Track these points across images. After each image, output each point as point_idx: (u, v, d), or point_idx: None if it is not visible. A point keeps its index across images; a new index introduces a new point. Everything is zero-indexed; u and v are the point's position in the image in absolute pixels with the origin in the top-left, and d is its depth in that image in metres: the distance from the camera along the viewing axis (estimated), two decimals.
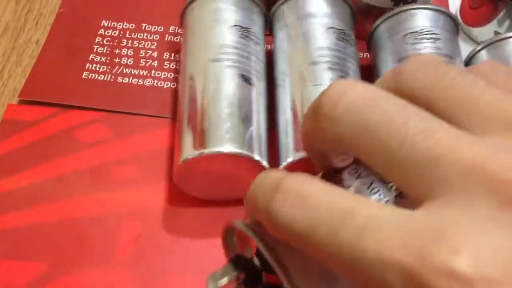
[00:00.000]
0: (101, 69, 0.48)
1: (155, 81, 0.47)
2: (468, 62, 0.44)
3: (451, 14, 0.44)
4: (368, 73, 0.45)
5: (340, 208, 0.18)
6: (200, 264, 0.38)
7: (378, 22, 0.44)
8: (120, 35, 0.50)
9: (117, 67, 0.48)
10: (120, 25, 0.51)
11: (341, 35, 0.42)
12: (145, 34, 0.50)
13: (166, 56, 0.49)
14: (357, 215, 0.18)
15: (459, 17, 0.52)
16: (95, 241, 0.39)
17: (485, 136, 0.19)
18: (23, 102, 0.46)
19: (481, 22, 0.50)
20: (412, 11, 0.43)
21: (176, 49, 0.49)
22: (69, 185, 0.41)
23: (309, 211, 0.19)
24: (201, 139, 0.37)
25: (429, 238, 0.17)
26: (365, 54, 0.48)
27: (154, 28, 0.50)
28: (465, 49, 0.46)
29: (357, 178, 0.22)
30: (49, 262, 0.38)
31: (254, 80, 0.40)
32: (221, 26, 0.42)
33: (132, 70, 0.48)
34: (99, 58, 0.48)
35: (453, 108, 0.20)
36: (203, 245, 0.39)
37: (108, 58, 0.48)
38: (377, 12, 0.45)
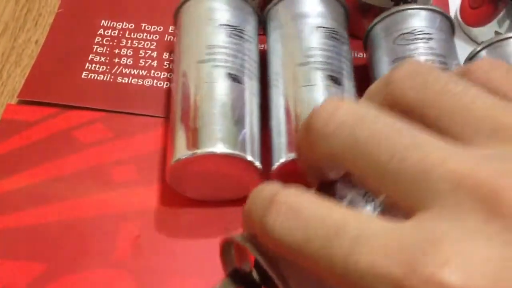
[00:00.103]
0: (100, 69, 0.48)
1: (155, 81, 0.47)
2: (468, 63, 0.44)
3: (446, 13, 0.44)
4: (365, 72, 0.45)
5: (332, 221, 0.19)
6: (200, 264, 0.38)
7: (374, 22, 0.44)
8: (120, 35, 0.50)
9: (117, 67, 0.48)
10: (119, 25, 0.51)
11: (330, 34, 0.42)
12: (145, 34, 0.50)
13: (165, 56, 0.48)
14: (349, 228, 0.18)
15: (459, 17, 0.52)
16: (94, 242, 0.39)
17: (474, 146, 0.20)
18: (22, 102, 0.46)
19: (481, 22, 0.50)
20: (407, 11, 0.43)
21: None
22: (68, 185, 0.41)
23: (302, 225, 0.19)
24: (193, 139, 0.37)
25: (418, 250, 0.17)
26: (364, 53, 0.48)
27: (154, 28, 0.50)
28: (465, 49, 0.46)
29: (351, 188, 0.23)
30: (48, 262, 0.38)
31: (246, 79, 0.40)
32: (213, 25, 0.42)
33: (132, 70, 0.48)
34: (98, 58, 0.48)
35: (444, 117, 0.21)
36: (202, 245, 0.39)
37: (108, 58, 0.48)
38: (376, 12, 0.45)
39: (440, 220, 0.18)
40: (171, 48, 0.49)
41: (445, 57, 0.42)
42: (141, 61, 0.48)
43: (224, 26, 0.42)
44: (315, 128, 0.21)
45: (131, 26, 0.51)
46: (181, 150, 0.37)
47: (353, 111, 0.20)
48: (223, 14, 0.42)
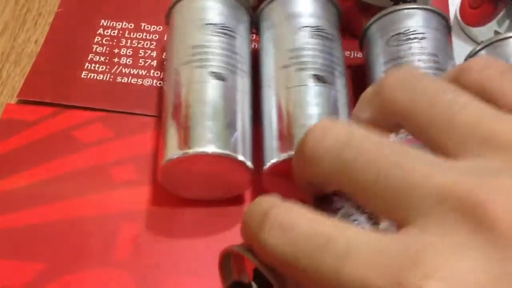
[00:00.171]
0: (100, 69, 0.48)
1: (154, 80, 0.47)
2: None
3: (441, 12, 0.44)
4: (363, 72, 0.45)
5: (322, 235, 0.20)
6: (199, 264, 0.38)
7: (369, 22, 0.44)
8: (119, 35, 0.50)
9: (116, 66, 0.48)
10: (119, 24, 0.51)
11: (321, 34, 0.42)
12: (144, 34, 0.50)
13: (165, 56, 0.48)
14: (339, 242, 0.19)
15: (459, 17, 0.52)
16: (94, 241, 0.39)
17: (461, 158, 0.20)
18: (22, 102, 0.46)
19: (481, 22, 0.50)
20: (402, 11, 0.43)
21: None
22: (68, 185, 0.41)
23: (293, 240, 0.20)
24: (185, 139, 0.37)
25: (404, 263, 0.18)
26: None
27: (153, 28, 0.50)
28: (465, 49, 0.46)
29: (346, 200, 0.23)
30: (47, 262, 0.38)
31: (237, 78, 0.41)
32: (202, 25, 0.42)
33: (131, 69, 0.48)
34: (98, 57, 0.48)
35: (433, 128, 0.21)
36: (202, 245, 0.39)
37: (107, 57, 0.48)
38: (376, 11, 0.45)
39: (425, 234, 0.19)
40: None
41: (438, 56, 0.42)
42: (140, 61, 0.48)
43: (213, 25, 0.42)
44: (306, 152, 0.22)
45: (131, 25, 0.51)
46: (173, 150, 0.37)
47: (341, 134, 0.21)
48: (214, 13, 0.43)
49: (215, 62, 0.40)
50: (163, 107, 0.41)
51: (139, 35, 0.50)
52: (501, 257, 0.18)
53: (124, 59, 0.48)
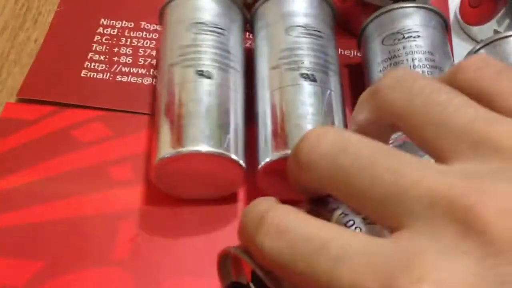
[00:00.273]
0: (100, 68, 0.48)
1: (154, 79, 0.47)
2: None
3: (438, 11, 0.44)
4: (362, 71, 0.45)
5: (317, 239, 0.20)
6: (198, 263, 0.38)
7: (366, 21, 0.45)
8: (119, 34, 0.50)
9: (116, 65, 0.48)
10: (119, 23, 0.51)
11: (313, 33, 0.42)
12: (144, 33, 0.50)
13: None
14: (333, 246, 0.19)
15: (458, 16, 0.52)
16: (93, 240, 0.39)
17: (453, 161, 0.20)
18: (21, 100, 0.46)
19: (481, 20, 0.50)
20: (398, 10, 0.44)
21: None
22: (67, 184, 0.41)
23: (288, 244, 0.20)
24: (178, 137, 0.37)
25: (396, 268, 0.18)
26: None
27: (153, 26, 0.50)
28: (465, 48, 0.46)
29: (342, 201, 0.23)
30: (47, 261, 0.38)
31: (231, 77, 0.41)
32: (194, 24, 0.42)
33: (131, 68, 0.48)
34: (98, 56, 0.48)
35: (427, 130, 0.21)
36: (201, 244, 0.39)
37: (107, 56, 0.48)
38: (375, 10, 0.45)
39: (418, 238, 0.19)
40: None
41: (435, 54, 0.42)
42: (140, 60, 0.48)
43: (204, 24, 0.42)
44: (301, 157, 0.22)
45: (131, 24, 0.51)
46: (166, 149, 0.37)
47: (337, 140, 0.22)
48: (204, 12, 0.43)
49: (207, 61, 0.40)
50: (156, 106, 0.41)
51: (139, 34, 0.50)
52: (493, 262, 0.18)
53: (124, 58, 0.48)
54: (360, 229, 0.23)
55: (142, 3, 0.52)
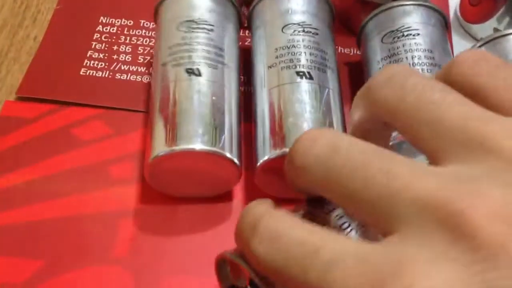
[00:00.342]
0: (99, 66, 0.48)
1: None
2: None
3: (437, 8, 0.44)
4: (362, 69, 0.45)
5: (309, 245, 0.20)
6: (199, 262, 0.38)
7: (365, 19, 0.44)
8: (118, 32, 0.50)
9: (115, 63, 0.48)
10: (118, 21, 0.51)
11: (311, 31, 0.42)
12: (143, 31, 0.50)
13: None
14: (325, 252, 0.19)
15: (458, 14, 0.52)
16: (92, 239, 0.39)
17: (445, 162, 0.20)
18: (21, 99, 0.46)
19: (481, 19, 0.50)
20: (398, 8, 0.43)
21: None
22: (67, 182, 0.41)
23: (282, 250, 0.20)
24: (172, 135, 0.37)
25: (386, 275, 0.18)
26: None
27: (152, 24, 0.50)
28: (465, 46, 0.46)
29: None
30: (46, 259, 0.38)
31: (225, 76, 0.41)
32: (186, 22, 0.42)
33: (130, 66, 0.48)
34: (97, 54, 0.48)
35: (420, 129, 0.21)
36: (201, 243, 0.39)
37: (106, 54, 0.48)
38: (375, 8, 0.45)
39: (407, 243, 0.19)
40: None
41: (434, 52, 0.42)
42: (139, 58, 0.48)
43: (194, 22, 0.42)
44: (296, 160, 0.22)
45: (130, 22, 0.51)
46: (160, 147, 0.37)
47: (330, 141, 0.22)
48: (196, 10, 0.43)
49: (197, 59, 0.40)
50: (150, 105, 0.41)
51: (138, 32, 0.50)
52: (480, 268, 0.17)
53: (123, 56, 0.48)
54: (356, 231, 0.23)
55: (141, 1, 0.52)
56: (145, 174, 0.39)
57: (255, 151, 0.39)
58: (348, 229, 0.23)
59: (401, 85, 0.22)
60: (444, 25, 0.44)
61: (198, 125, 0.37)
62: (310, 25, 0.42)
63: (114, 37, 0.49)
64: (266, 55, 0.42)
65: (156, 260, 0.38)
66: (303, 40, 0.41)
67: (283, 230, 0.21)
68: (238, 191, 0.41)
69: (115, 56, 0.48)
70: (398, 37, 0.42)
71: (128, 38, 0.49)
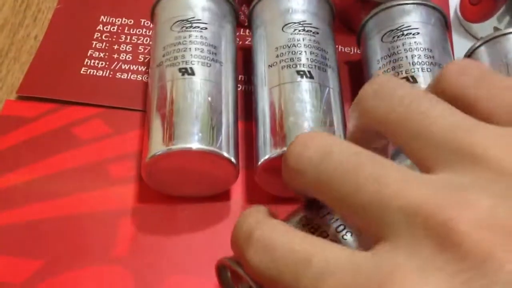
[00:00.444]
0: (99, 65, 0.48)
1: None
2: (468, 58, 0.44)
3: (437, 7, 0.44)
4: (361, 68, 0.45)
5: (301, 255, 0.20)
6: (199, 262, 0.38)
7: (365, 19, 0.44)
8: (119, 31, 0.50)
9: (116, 62, 0.48)
10: (118, 20, 0.51)
11: (305, 28, 0.42)
12: (144, 30, 0.50)
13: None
14: (316, 261, 0.20)
15: (459, 13, 0.52)
16: (92, 239, 0.39)
17: (436, 171, 0.20)
18: (21, 98, 0.46)
19: (481, 18, 0.50)
20: (397, 7, 0.43)
21: None
22: (67, 181, 0.41)
23: (275, 259, 0.21)
24: (169, 134, 0.37)
25: (375, 284, 0.18)
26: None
27: None
28: (465, 45, 0.46)
29: None
30: (46, 259, 0.38)
31: (222, 75, 0.41)
32: (181, 21, 0.42)
33: (131, 66, 0.48)
34: (97, 53, 0.48)
35: (408, 140, 0.21)
36: (202, 243, 0.39)
37: (107, 53, 0.48)
38: (375, 6, 0.45)
39: (396, 252, 0.19)
40: None
41: (434, 51, 0.41)
42: (140, 57, 0.48)
43: (188, 21, 0.42)
44: (289, 163, 0.23)
45: (130, 21, 0.51)
46: (157, 146, 0.37)
47: (323, 144, 0.22)
48: (192, 9, 0.43)
49: (190, 58, 0.40)
50: (147, 105, 0.41)
51: (139, 31, 0.50)
52: (465, 277, 0.17)
53: (123, 55, 0.48)
54: (351, 234, 0.23)
55: (141, 1, 0.52)
56: (142, 173, 0.39)
57: (256, 150, 0.39)
58: (344, 232, 0.23)
59: (390, 96, 0.22)
60: (444, 24, 0.44)
61: (195, 124, 0.38)
62: (310, 24, 0.43)
63: (115, 36, 0.49)
64: (266, 54, 0.42)
65: (156, 259, 0.38)
66: (303, 39, 0.42)
67: (276, 241, 0.21)
68: (236, 190, 0.41)
69: (115, 55, 0.48)
70: (398, 36, 0.42)
71: (128, 37, 0.49)
